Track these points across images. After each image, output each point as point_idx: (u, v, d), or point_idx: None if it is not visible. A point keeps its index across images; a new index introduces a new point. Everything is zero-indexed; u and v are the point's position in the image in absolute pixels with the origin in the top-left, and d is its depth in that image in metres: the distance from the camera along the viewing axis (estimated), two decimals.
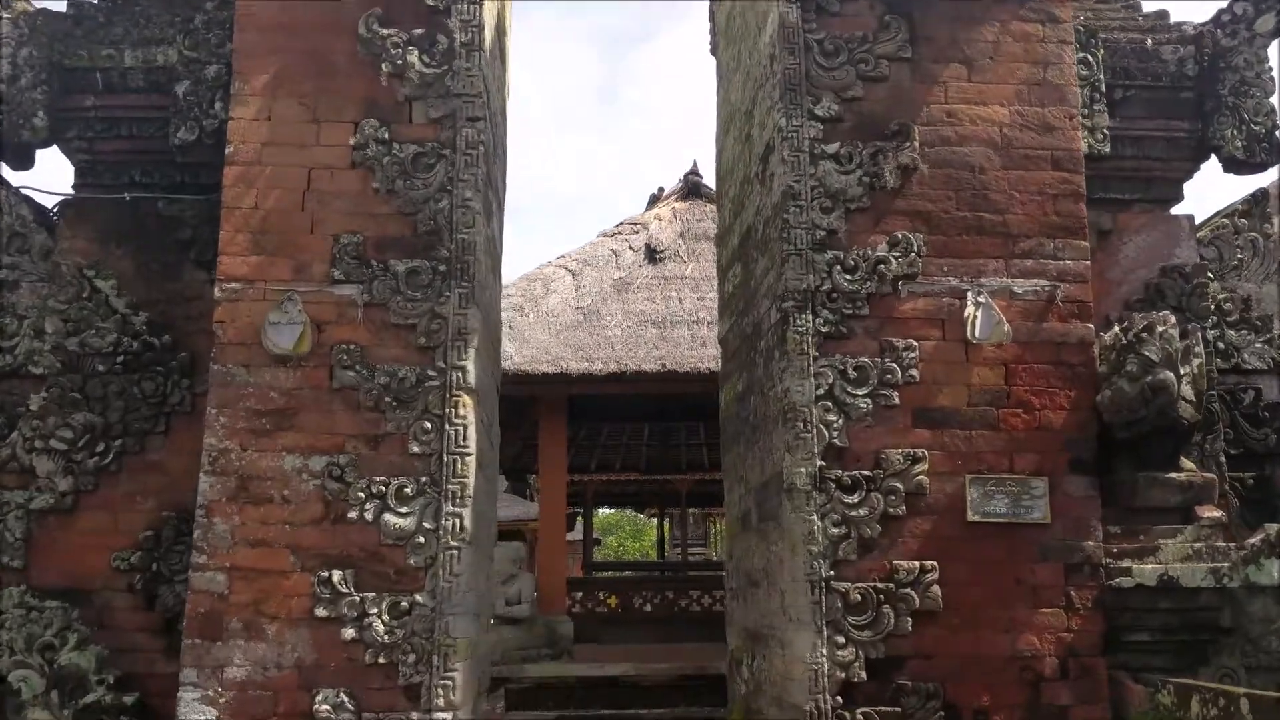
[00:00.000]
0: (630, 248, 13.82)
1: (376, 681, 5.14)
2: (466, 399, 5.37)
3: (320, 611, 5.17)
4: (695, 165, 14.84)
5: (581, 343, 12.59)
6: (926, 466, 5.39)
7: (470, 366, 5.39)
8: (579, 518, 22.65)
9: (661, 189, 15.11)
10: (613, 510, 34.83)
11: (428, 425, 5.33)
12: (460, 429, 5.32)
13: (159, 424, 5.78)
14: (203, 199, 5.91)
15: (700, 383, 12.31)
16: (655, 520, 28.82)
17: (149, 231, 6.06)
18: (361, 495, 5.27)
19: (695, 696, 11.07)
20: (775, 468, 5.57)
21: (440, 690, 5.08)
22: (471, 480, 5.30)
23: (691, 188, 14.71)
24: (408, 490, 5.27)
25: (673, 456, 18.09)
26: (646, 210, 14.84)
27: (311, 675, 5.14)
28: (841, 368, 5.44)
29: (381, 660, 5.13)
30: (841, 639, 5.18)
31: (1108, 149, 6.05)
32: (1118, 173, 6.22)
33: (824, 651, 5.15)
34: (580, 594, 15.50)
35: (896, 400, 5.45)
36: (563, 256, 13.65)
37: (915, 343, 5.52)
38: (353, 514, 5.26)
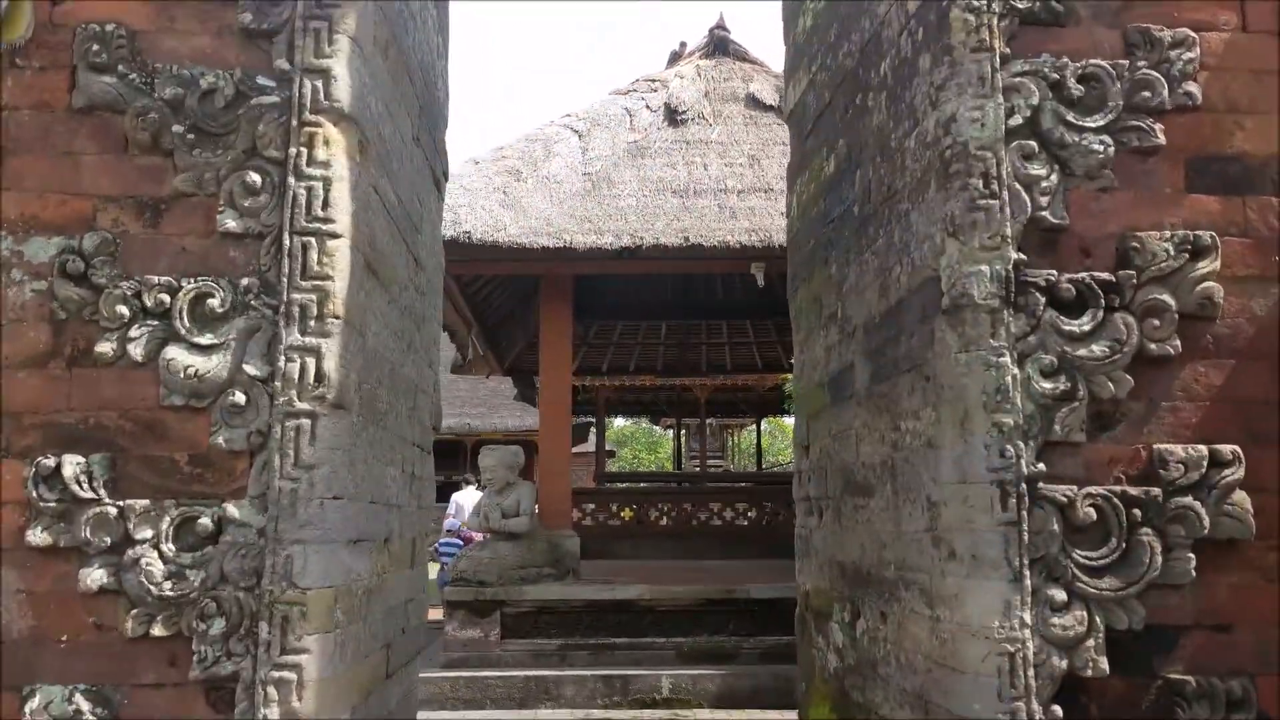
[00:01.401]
0: (647, 107, 10.86)
1: (149, 670, 2.41)
2: (333, 132, 2.55)
3: (39, 536, 2.42)
4: (721, 19, 11.80)
5: (589, 213, 9.71)
6: (1216, 265, 2.56)
7: (341, 70, 2.56)
8: (591, 428, 19.91)
9: (684, 44, 12.06)
10: (627, 422, 32.03)
11: (254, 179, 2.52)
12: (317, 187, 2.51)
13: None
14: None
15: (728, 259, 9.51)
16: (671, 432, 26.10)
17: None
18: (124, 311, 2.48)
19: (720, 624, 8.44)
20: (922, 274, 2.73)
21: (272, 691, 2.32)
22: (342, 286, 2.50)
23: (718, 43, 11.68)
24: (214, 302, 2.48)
25: (691, 358, 15.22)
26: (667, 68, 11.84)
27: (22, 659, 2.39)
28: (1055, 78, 2.59)
29: (158, 631, 2.39)
30: (1060, 593, 2.41)
31: None
32: None
33: (1025, 617, 2.38)
34: (592, 506, 12.91)
35: (1159, 138, 2.60)
36: (568, 115, 10.69)
37: (1192, 34, 2.65)
38: (107, 346, 2.48)
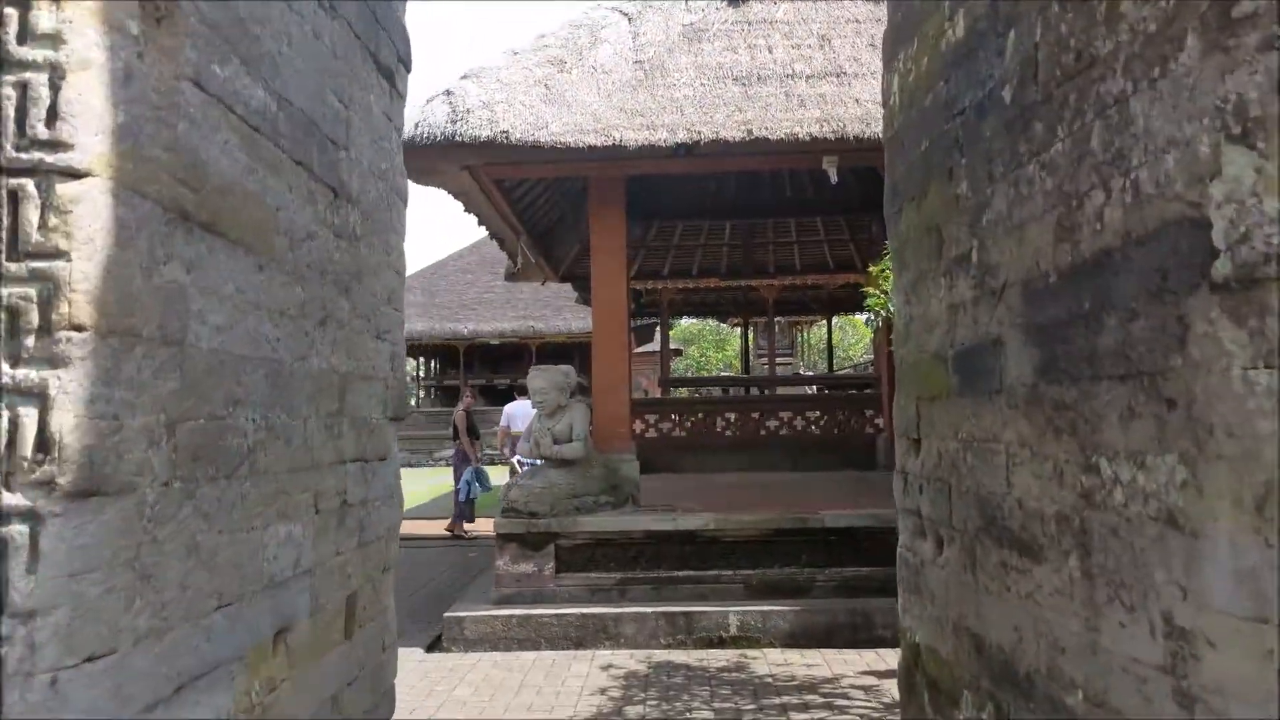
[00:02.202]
0: None
1: None
2: None
3: None
4: None
5: (641, 106, 8.38)
6: None
7: None
8: (656, 329, 18.73)
9: None
10: (694, 320, 30.76)
11: None
12: (37, 83, 1.27)
13: None
14: None
15: (797, 153, 8.14)
16: (739, 330, 24.77)
17: None
18: None
19: (792, 554, 7.42)
20: (1159, 209, 1.42)
21: None
22: (94, 267, 1.29)
23: None
24: None
25: (758, 259, 13.81)
26: None
27: None
28: None
29: None
30: None
31: None
32: None
33: None
34: (654, 417, 11.88)
35: None
36: None
37: None
38: None
